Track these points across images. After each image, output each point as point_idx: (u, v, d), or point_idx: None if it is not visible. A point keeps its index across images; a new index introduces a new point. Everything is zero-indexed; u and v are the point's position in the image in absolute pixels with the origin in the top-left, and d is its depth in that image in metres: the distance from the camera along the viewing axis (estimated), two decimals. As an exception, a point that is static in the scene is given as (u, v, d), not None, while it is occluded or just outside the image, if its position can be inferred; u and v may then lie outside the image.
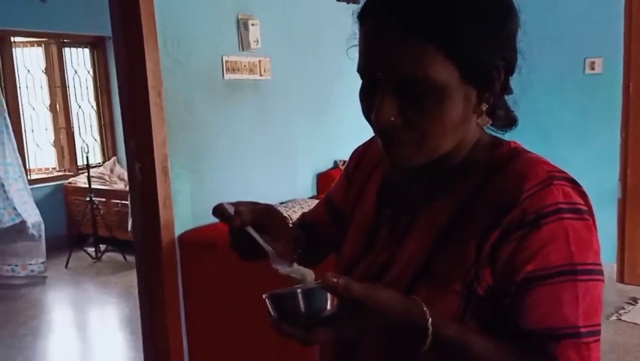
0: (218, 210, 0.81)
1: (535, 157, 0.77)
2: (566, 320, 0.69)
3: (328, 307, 0.68)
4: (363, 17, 0.76)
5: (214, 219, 2.77)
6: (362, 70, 0.76)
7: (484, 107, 0.76)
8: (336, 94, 3.23)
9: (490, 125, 0.81)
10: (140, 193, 2.42)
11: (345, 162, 3.16)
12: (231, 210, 0.80)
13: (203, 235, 2.45)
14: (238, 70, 2.64)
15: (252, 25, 2.64)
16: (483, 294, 0.73)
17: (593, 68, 3.92)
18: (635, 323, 3.34)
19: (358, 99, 0.79)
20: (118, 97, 6.53)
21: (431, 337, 0.68)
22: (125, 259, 5.15)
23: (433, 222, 0.78)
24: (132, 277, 4.61)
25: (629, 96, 3.86)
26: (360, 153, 1.01)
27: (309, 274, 0.76)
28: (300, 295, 0.68)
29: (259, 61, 2.74)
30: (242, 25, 2.63)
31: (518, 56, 0.77)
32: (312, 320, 0.68)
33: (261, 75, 2.75)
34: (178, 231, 2.47)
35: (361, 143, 1.03)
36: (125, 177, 6.01)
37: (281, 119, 2.92)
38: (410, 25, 0.69)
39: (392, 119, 0.73)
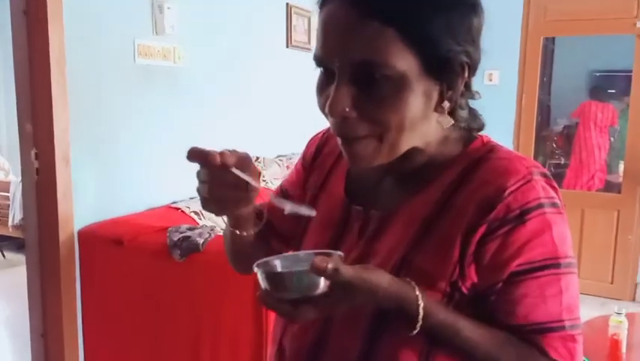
0: (194, 151, 0.71)
1: (510, 152, 0.77)
2: (551, 314, 0.71)
3: (321, 287, 0.65)
4: (322, 2, 0.72)
5: (119, 213, 2.59)
6: (317, 57, 0.72)
7: (447, 105, 0.73)
8: (253, 88, 3.15)
9: (453, 125, 0.79)
10: (35, 183, 2.19)
11: (258, 157, 3.11)
12: (208, 149, 0.72)
13: (106, 230, 2.27)
14: (151, 55, 2.48)
15: (168, 8, 2.49)
16: (467, 292, 0.72)
17: (491, 80, 4.17)
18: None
19: (314, 93, 0.75)
20: (4, 76, 5.88)
21: (422, 321, 0.67)
22: (4, 256, 4.69)
23: (411, 219, 0.76)
24: (12, 276, 4.21)
25: (521, 107, 4.16)
26: (319, 142, 0.96)
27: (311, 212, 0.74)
28: (293, 276, 0.66)
29: (174, 47, 2.59)
30: (157, 9, 2.48)
31: (482, 56, 0.75)
32: (301, 298, 0.66)
33: (174, 62, 2.61)
34: (78, 225, 2.27)
35: (313, 132, 0.99)
36: (6, 166, 5.48)
37: (194, 111, 2.79)
38: (368, 6, 0.66)
39: (347, 109, 0.69)
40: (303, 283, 0.65)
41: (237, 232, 0.83)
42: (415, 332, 0.68)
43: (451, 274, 0.71)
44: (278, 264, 0.70)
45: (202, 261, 2.05)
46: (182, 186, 2.66)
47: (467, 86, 0.74)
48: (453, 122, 0.76)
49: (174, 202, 2.62)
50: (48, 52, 2.06)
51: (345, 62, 0.68)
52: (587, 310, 3.51)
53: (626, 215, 4.05)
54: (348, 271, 0.64)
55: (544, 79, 5.53)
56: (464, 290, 0.72)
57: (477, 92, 0.78)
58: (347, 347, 0.75)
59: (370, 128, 0.70)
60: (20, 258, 4.51)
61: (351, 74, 0.68)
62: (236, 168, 0.72)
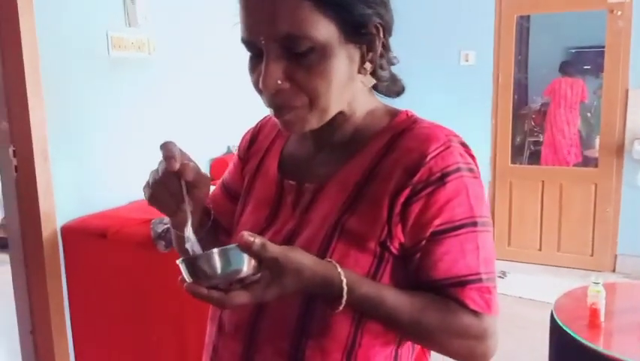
0: (166, 147, 0.76)
1: (432, 123, 0.82)
2: (470, 267, 0.76)
3: (244, 268, 0.66)
4: None
5: (101, 207, 2.58)
6: (245, 38, 0.76)
7: (368, 66, 0.79)
8: (229, 77, 3.15)
9: (377, 90, 0.86)
10: (15, 180, 2.18)
11: (234, 146, 3.11)
12: (177, 153, 0.76)
13: (89, 224, 2.27)
14: (125, 47, 2.47)
15: (140, -1, 2.48)
16: (396, 253, 0.76)
17: (467, 60, 4.21)
18: (505, 294, 3.67)
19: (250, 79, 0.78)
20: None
21: (346, 296, 0.71)
22: (-14, 256, 4.64)
23: (342, 186, 0.80)
24: (-4, 276, 4.18)
25: (497, 86, 4.21)
26: (253, 132, 1.01)
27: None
28: (215, 256, 0.66)
29: (147, 38, 2.58)
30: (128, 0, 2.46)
31: (394, 17, 0.80)
32: (228, 282, 0.67)
33: (149, 53, 2.60)
34: (61, 221, 2.27)
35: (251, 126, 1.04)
36: (-17, 166, 5.41)
37: (171, 102, 2.78)
38: None
39: (279, 82, 0.73)
40: (226, 264, 0.65)
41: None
42: (341, 307, 0.72)
43: (379, 235, 0.76)
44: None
45: (187, 251, 2.07)
46: (163, 177, 2.65)
47: (385, 46, 0.80)
48: (375, 81, 0.82)
49: (157, 194, 2.62)
50: (20, 48, 2.05)
51: (270, 38, 0.72)
52: (569, 283, 3.59)
53: (603, 188, 4.14)
54: (274, 247, 0.68)
55: (520, 57, 5.59)
56: (393, 250, 0.76)
57: (395, 56, 0.84)
58: (285, 313, 0.78)
59: (302, 98, 0.75)
60: (2, 257, 4.46)
61: (278, 49, 0.72)
62: (191, 183, 0.77)
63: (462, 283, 0.76)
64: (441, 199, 0.74)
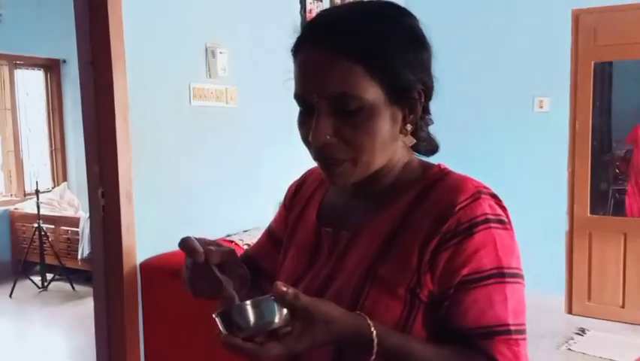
0: (186, 244, 0.83)
1: (463, 175, 0.85)
2: (498, 318, 0.77)
3: (276, 320, 0.70)
4: (297, 48, 0.84)
5: (177, 246, 2.70)
6: (298, 94, 0.83)
7: (409, 127, 0.85)
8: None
9: (415, 149, 0.90)
10: (102, 219, 2.36)
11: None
12: (197, 245, 0.82)
13: (166, 262, 2.40)
14: (205, 97, 2.65)
15: (220, 53, 2.67)
16: (425, 300, 0.79)
17: (541, 107, 4.13)
18: (585, 353, 3.46)
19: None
20: (70, 121, 6.30)
21: (377, 348, 0.73)
22: (74, 288, 4.96)
23: (375, 235, 0.84)
24: (81, 307, 4.45)
25: (574, 133, 4.08)
26: (298, 184, 1.08)
27: None
28: (248, 308, 0.70)
29: (226, 89, 2.76)
30: (210, 54, 2.65)
31: (435, 83, 0.86)
32: (261, 333, 0.70)
33: (227, 103, 2.77)
34: (140, 258, 2.42)
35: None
36: (75, 203, 5.83)
37: (246, 147, 2.93)
38: (340, 47, 0.78)
39: (328, 137, 0.80)
40: (259, 315, 0.69)
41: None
42: (372, 358, 0.74)
43: (409, 282, 0.79)
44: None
45: (254, 291, 2.14)
46: (234, 219, 2.78)
47: (425, 109, 0.86)
48: (415, 141, 0.87)
49: (228, 235, 2.74)
50: (113, 99, 2.25)
51: (323, 96, 0.79)
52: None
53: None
54: (305, 298, 0.71)
55: (598, 103, 5.38)
56: (423, 298, 0.79)
57: (430, 118, 0.90)
58: (319, 358, 0.81)
59: (348, 152, 0.81)
60: (88, 290, 4.76)
61: (329, 107, 0.79)
62: (220, 264, 0.83)
63: (490, 333, 0.77)
64: (469, 249, 0.77)
